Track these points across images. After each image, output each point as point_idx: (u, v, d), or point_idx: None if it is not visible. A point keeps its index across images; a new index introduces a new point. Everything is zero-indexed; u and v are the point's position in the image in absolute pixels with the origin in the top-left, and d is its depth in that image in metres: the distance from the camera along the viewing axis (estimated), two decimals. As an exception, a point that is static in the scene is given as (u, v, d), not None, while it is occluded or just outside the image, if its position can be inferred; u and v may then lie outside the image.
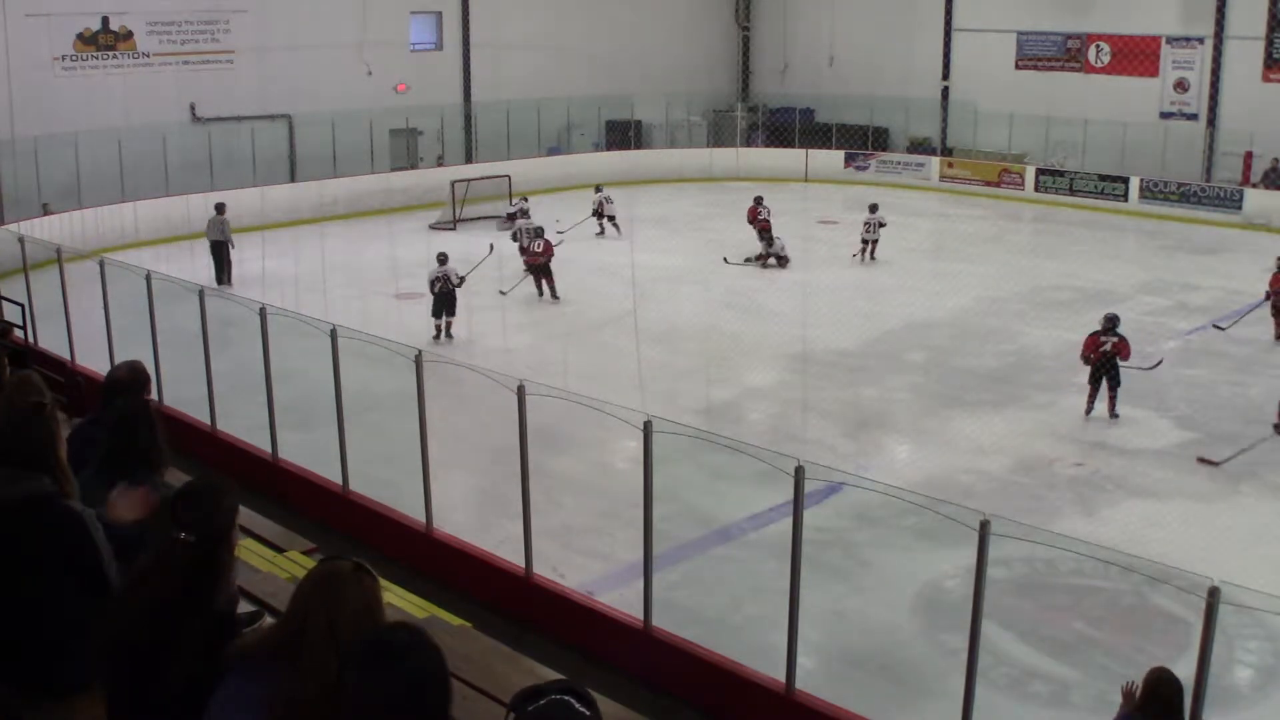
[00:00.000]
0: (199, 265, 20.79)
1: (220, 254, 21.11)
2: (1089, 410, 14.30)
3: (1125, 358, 14.27)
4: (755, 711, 7.80)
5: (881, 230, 22.84)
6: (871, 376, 15.78)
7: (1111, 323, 14.58)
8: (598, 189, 26.07)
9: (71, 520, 3.89)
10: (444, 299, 17.65)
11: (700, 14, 36.87)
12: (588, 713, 2.41)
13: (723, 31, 37.59)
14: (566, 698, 2.43)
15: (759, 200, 24.07)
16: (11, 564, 3.83)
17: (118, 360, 7.46)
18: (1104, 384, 14.22)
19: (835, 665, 8.77)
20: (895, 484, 9.81)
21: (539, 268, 20.08)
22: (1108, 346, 14.26)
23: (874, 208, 23.07)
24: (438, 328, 17.59)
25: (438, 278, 17.66)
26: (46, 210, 22.70)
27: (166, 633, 3.20)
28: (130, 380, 5.55)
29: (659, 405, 11.98)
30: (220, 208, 21.44)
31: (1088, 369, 14.39)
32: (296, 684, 2.87)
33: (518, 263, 20.62)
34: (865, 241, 22.90)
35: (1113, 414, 14.23)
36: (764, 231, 22.98)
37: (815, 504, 9.75)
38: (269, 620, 5.66)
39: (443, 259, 17.94)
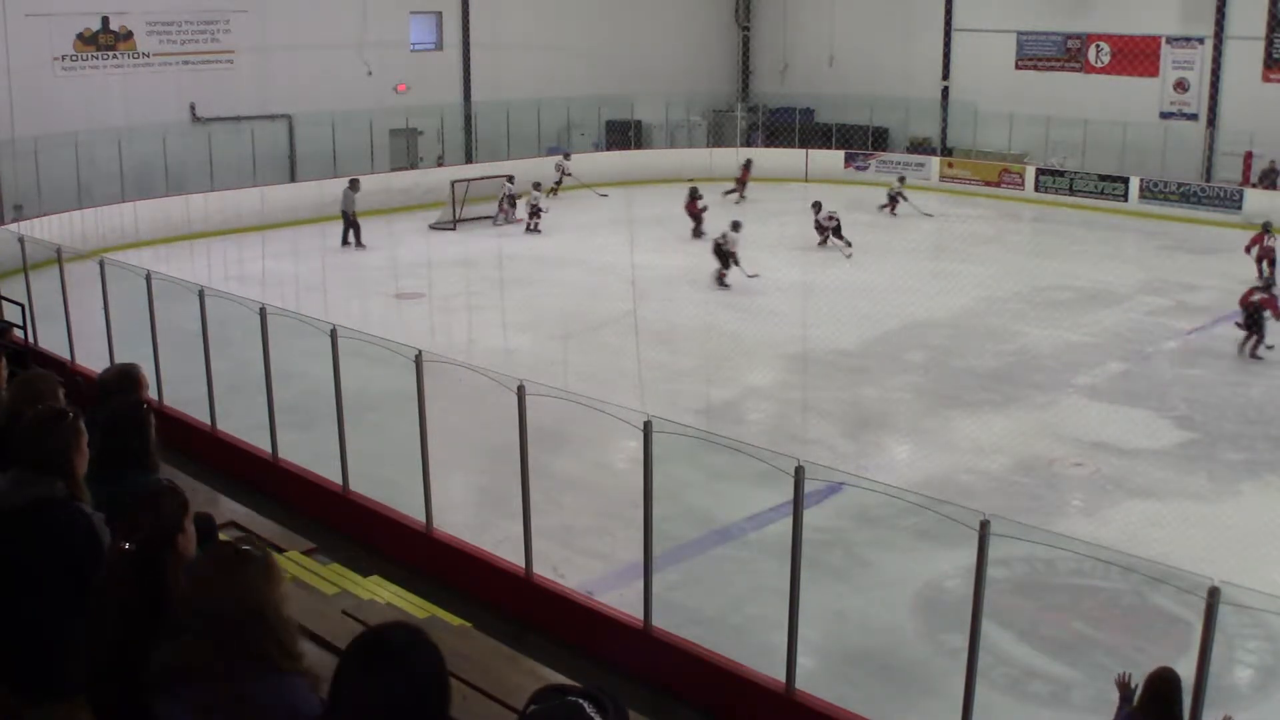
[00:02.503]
0: (199, 265, 20.81)
1: (347, 223, 24.21)
2: (1241, 351, 16.68)
3: (1275, 311, 16.43)
4: (755, 711, 7.80)
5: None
6: (871, 376, 15.77)
7: (1267, 281, 17.40)
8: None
9: (80, 523, 3.90)
10: (718, 252, 20.78)
11: (700, 14, 36.87)
12: (596, 718, 2.41)
13: (723, 31, 37.59)
14: (581, 701, 2.42)
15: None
16: (18, 565, 3.83)
17: (118, 361, 7.47)
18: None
19: (835, 665, 8.77)
20: (895, 484, 9.83)
21: (696, 213, 24.71)
22: (1256, 299, 16.55)
23: (818, 206, 24.61)
24: (720, 275, 20.78)
25: (721, 235, 21.07)
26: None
27: (128, 641, 3.18)
28: (120, 382, 5.56)
29: (659, 405, 11.97)
30: (354, 184, 24.39)
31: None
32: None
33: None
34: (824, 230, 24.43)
35: (1253, 355, 16.49)
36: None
37: (815, 504, 9.75)
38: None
39: (735, 226, 21.11)
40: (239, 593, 2.91)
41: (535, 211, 25.91)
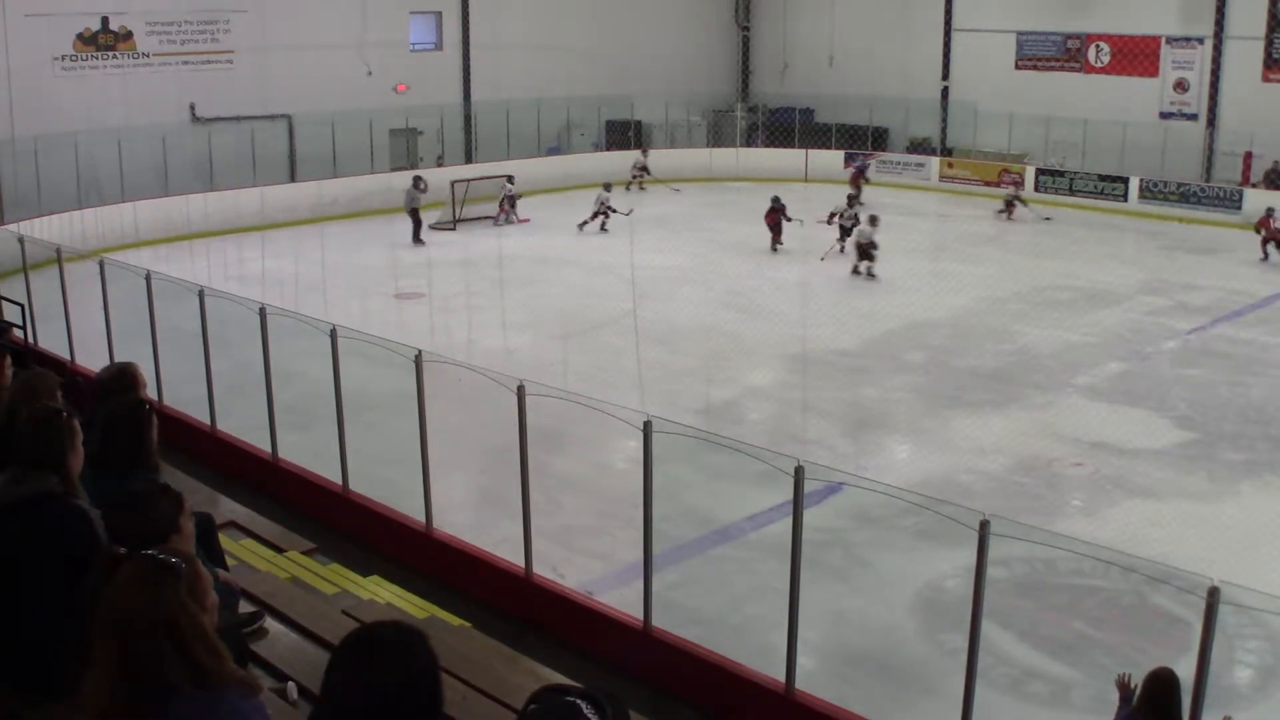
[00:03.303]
0: (199, 265, 20.82)
1: (415, 219, 24.65)
2: None
3: None
4: (755, 711, 7.79)
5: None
6: (871, 376, 15.77)
7: None
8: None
9: (76, 518, 3.90)
10: (861, 249, 21.28)
11: (700, 14, 36.87)
12: (593, 719, 2.40)
13: (723, 31, 37.59)
14: (579, 702, 2.42)
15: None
16: (16, 561, 3.83)
17: (118, 360, 7.46)
18: None
19: (835, 665, 8.77)
20: (895, 484, 9.82)
21: (774, 225, 23.77)
22: None
23: (851, 200, 24.29)
24: (858, 269, 21.41)
25: (860, 233, 21.52)
26: None
27: None
28: (117, 381, 5.56)
29: (659, 405, 11.98)
30: (416, 181, 24.87)
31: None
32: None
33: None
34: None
35: None
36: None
37: (815, 504, 9.75)
38: (269, 620, 5.67)
39: (873, 220, 21.78)
40: (146, 611, 2.76)
41: (604, 212, 25.52)
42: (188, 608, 2.79)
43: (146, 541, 3.35)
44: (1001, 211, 27.64)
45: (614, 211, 25.63)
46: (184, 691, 2.74)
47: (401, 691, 2.59)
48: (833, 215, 23.57)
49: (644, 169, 30.90)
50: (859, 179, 29.47)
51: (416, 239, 24.63)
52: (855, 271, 21.38)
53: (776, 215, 23.87)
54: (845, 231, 23.19)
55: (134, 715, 2.72)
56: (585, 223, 25.73)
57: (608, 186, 26.30)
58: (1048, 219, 27.16)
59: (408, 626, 2.72)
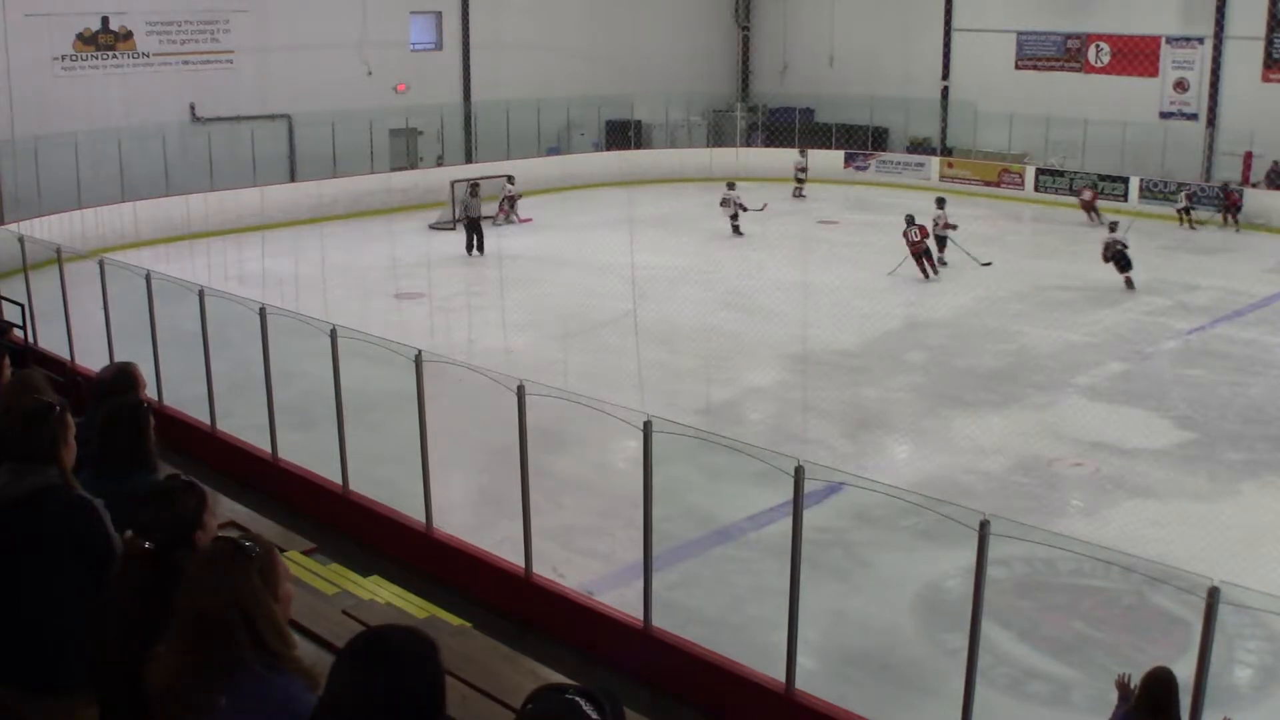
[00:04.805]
0: (199, 265, 20.81)
1: (473, 228, 23.76)
2: None
3: None
4: (755, 711, 7.79)
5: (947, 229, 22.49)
6: (871, 376, 15.77)
7: None
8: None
9: (80, 508, 3.90)
10: (1118, 258, 20.53)
11: (700, 14, 36.88)
12: (594, 716, 2.40)
13: (723, 31, 37.60)
14: (578, 699, 2.42)
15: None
16: (24, 555, 3.83)
17: (118, 360, 7.46)
18: None
19: (835, 665, 8.77)
20: (895, 484, 9.81)
21: (920, 253, 21.28)
22: None
23: (941, 201, 23.07)
24: (1129, 282, 20.51)
25: (1110, 241, 20.72)
26: None
27: (139, 640, 3.17)
28: (117, 381, 5.56)
29: (659, 405, 11.97)
30: (475, 188, 23.98)
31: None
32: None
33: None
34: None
35: None
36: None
37: (815, 504, 9.75)
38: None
39: (1113, 227, 21.10)
40: (218, 591, 2.86)
41: (735, 214, 25.23)
42: (259, 592, 2.89)
43: (171, 536, 3.36)
44: (1223, 210, 26.73)
45: (745, 209, 25.27)
46: (252, 670, 2.82)
47: (403, 697, 2.59)
48: (941, 237, 22.18)
49: (804, 170, 30.68)
50: (1094, 198, 27.63)
51: (479, 248, 23.78)
52: (1129, 285, 20.32)
53: (915, 233, 21.29)
54: (942, 242, 22.32)
55: (199, 688, 2.79)
56: (736, 226, 25.05)
57: (732, 185, 25.98)
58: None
59: (418, 633, 2.72)
